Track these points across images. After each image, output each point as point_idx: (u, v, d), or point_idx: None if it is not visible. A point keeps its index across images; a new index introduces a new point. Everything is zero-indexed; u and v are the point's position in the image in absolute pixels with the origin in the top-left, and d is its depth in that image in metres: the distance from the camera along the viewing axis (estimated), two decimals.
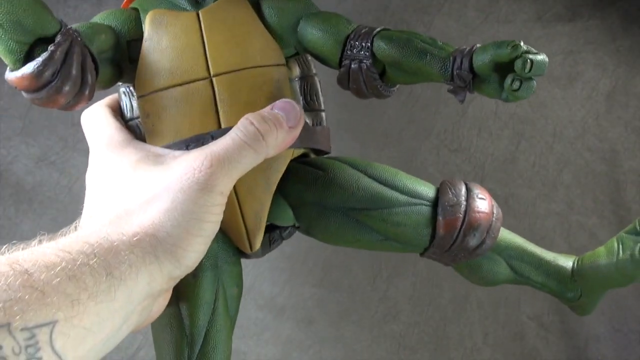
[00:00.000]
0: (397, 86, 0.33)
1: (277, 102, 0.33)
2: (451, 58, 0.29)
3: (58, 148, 0.92)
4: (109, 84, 0.34)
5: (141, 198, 0.28)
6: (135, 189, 0.29)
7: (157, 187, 0.28)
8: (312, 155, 0.38)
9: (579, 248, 1.04)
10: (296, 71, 0.37)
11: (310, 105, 0.38)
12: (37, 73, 0.28)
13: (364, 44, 0.32)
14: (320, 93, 0.38)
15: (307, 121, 0.36)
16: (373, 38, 0.32)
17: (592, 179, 1.08)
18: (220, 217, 0.30)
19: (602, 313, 1.05)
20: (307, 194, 0.35)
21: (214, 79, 0.33)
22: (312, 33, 0.34)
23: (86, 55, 0.30)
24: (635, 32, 1.15)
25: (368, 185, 0.34)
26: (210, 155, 0.29)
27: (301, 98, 0.37)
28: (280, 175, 0.35)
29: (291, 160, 0.36)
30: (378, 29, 0.32)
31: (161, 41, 0.33)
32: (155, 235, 0.27)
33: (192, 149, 0.32)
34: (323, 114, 0.39)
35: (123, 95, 0.36)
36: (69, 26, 0.31)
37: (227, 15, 0.34)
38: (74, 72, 0.29)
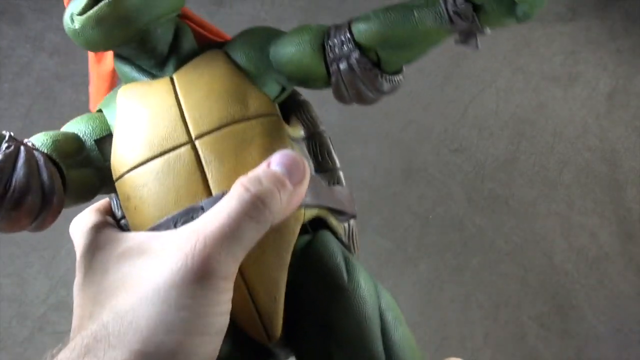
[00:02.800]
0: (403, 73, 0.28)
1: (274, 155, 0.26)
2: (440, 1, 0.25)
3: None
4: (93, 191, 0.29)
5: (125, 304, 0.23)
6: (117, 291, 0.24)
7: (143, 287, 0.23)
8: (333, 221, 0.31)
9: (579, 248, 1.04)
10: (300, 131, 0.32)
11: (322, 166, 0.32)
12: None
13: (343, 37, 0.27)
14: (332, 150, 0.33)
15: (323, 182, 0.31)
16: (350, 27, 0.27)
17: (593, 178, 1.07)
18: (228, 307, 0.24)
19: (602, 313, 1.05)
20: (318, 300, 0.28)
21: (196, 142, 0.28)
22: (285, 52, 0.29)
23: (41, 160, 0.25)
24: (635, 32, 1.15)
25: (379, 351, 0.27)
26: (203, 234, 0.23)
27: (311, 159, 0.32)
28: (292, 243, 0.28)
29: (305, 236, 0.29)
30: (351, 18, 0.27)
31: (133, 114, 0.29)
32: (144, 353, 0.22)
33: (180, 226, 0.26)
34: (340, 172, 0.33)
35: (113, 195, 0.31)
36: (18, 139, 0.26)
37: (202, 72, 0.29)
38: (27, 179, 0.24)
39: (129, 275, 0.24)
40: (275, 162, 0.26)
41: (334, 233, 0.31)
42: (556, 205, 1.05)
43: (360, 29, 0.27)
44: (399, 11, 0.26)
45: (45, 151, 0.27)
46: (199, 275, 0.23)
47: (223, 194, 0.26)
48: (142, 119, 0.29)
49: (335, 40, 0.27)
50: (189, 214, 0.27)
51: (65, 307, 0.91)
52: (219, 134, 0.28)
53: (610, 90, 1.13)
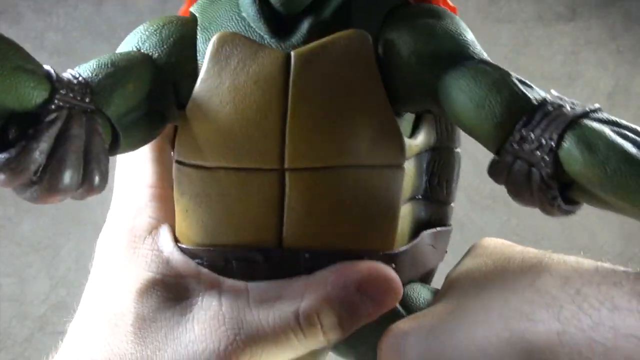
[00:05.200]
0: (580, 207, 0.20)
1: (369, 267, 0.21)
2: None
3: None
4: (147, 141, 0.23)
5: None
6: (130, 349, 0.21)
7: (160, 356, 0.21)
8: None
9: (579, 248, 1.04)
10: (429, 138, 0.24)
11: (433, 194, 0.24)
12: (8, 172, 0.17)
13: (544, 141, 0.18)
14: (455, 178, 0.25)
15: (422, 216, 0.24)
16: (564, 134, 0.18)
17: None
18: None
19: None
20: None
21: (286, 173, 0.21)
22: (459, 100, 0.20)
23: (94, 133, 0.19)
24: (636, 31, 1.15)
25: None
26: (240, 338, 0.20)
27: (424, 177, 0.24)
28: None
29: None
30: (578, 113, 0.18)
31: (223, 90, 0.21)
32: None
33: (233, 266, 0.22)
34: (449, 208, 0.25)
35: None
36: (72, 78, 0.19)
37: (334, 67, 0.20)
38: (70, 163, 0.18)
39: (147, 333, 0.22)
40: (366, 281, 0.20)
41: None
42: None
43: (573, 155, 0.17)
44: (637, 177, 0.16)
45: (103, 109, 0.20)
46: None
47: (294, 254, 0.21)
48: (232, 106, 0.21)
49: (532, 135, 0.18)
50: (247, 258, 0.22)
51: (65, 307, 0.91)
52: (320, 176, 0.21)
53: (610, 90, 1.13)
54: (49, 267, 0.95)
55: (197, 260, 0.22)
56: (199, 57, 0.22)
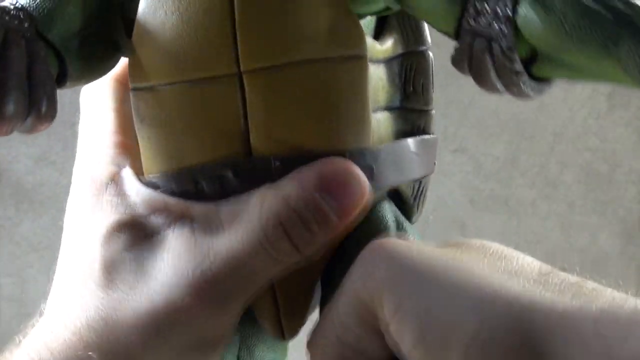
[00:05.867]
0: (550, 84, 0.20)
1: (327, 163, 0.20)
2: None
3: (58, 148, 0.91)
4: (101, 70, 0.22)
5: (111, 322, 0.20)
6: (103, 303, 0.20)
7: (131, 312, 0.20)
8: (403, 185, 0.24)
9: (579, 248, 1.04)
10: (395, 44, 0.23)
11: (410, 100, 0.23)
12: None
13: (500, 10, 0.18)
14: (430, 82, 0.24)
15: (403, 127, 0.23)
16: (517, 2, 0.18)
17: (593, 178, 1.07)
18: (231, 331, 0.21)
19: None
20: None
21: (244, 77, 0.20)
22: None
23: (36, 57, 0.18)
24: None
25: None
26: (210, 260, 0.19)
27: (399, 84, 0.23)
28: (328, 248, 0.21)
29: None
30: None
31: (166, 3, 0.20)
32: None
33: (203, 187, 0.21)
34: (429, 115, 0.24)
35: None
36: (9, 4, 0.18)
37: None
38: (12, 87, 0.17)
39: (114, 288, 0.21)
40: (325, 177, 0.19)
41: (399, 194, 0.24)
42: (556, 205, 1.05)
43: (529, 19, 0.17)
44: (598, 28, 0.16)
45: (43, 32, 0.18)
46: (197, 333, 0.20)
47: (264, 160, 0.20)
48: (177, 16, 0.20)
49: (487, 7, 0.18)
50: (214, 177, 0.21)
51: None
52: (278, 74, 0.20)
53: (611, 90, 1.13)
54: (49, 267, 0.95)
55: (165, 189, 0.21)
56: None
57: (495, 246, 0.20)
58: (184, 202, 0.21)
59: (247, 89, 0.20)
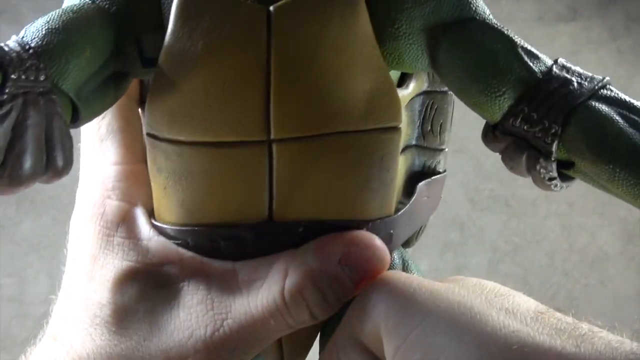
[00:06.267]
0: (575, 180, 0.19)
1: (352, 239, 0.20)
2: None
3: None
4: (111, 104, 0.21)
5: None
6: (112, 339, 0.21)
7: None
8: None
9: (579, 248, 1.04)
10: (420, 83, 0.22)
11: (426, 140, 0.23)
12: None
13: (547, 123, 0.17)
14: (449, 122, 0.23)
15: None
16: (569, 118, 0.17)
17: None
18: None
19: (602, 313, 1.05)
20: None
21: (274, 145, 0.19)
22: (457, 70, 0.18)
23: (53, 117, 0.17)
24: (636, 31, 1.15)
25: None
26: (228, 323, 0.19)
27: (417, 123, 0.22)
28: None
29: None
30: (586, 94, 0.17)
31: (195, 54, 0.18)
32: None
33: (220, 246, 0.20)
34: (443, 153, 0.24)
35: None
36: (22, 50, 0.16)
37: (321, 23, 0.18)
38: (30, 155, 0.17)
39: (126, 327, 0.21)
40: (344, 258, 0.19)
41: None
42: (556, 206, 1.05)
43: (577, 143, 0.17)
44: None
45: (60, 85, 0.17)
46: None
47: (285, 226, 0.20)
48: (206, 70, 0.18)
49: (535, 115, 0.17)
50: (235, 236, 0.20)
51: None
52: (310, 145, 0.19)
53: None
54: (49, 267, 0.95)
55: (179, 242, 0.21)
56: (163, 9, 0.18)
57: (491, 284, 0.20)
58: (200, 258, 0.21)
59: (275, 156, 0.19)
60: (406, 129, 0.22)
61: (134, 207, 0.22)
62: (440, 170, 0.24)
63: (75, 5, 0.18)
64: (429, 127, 0.23)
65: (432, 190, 0.23)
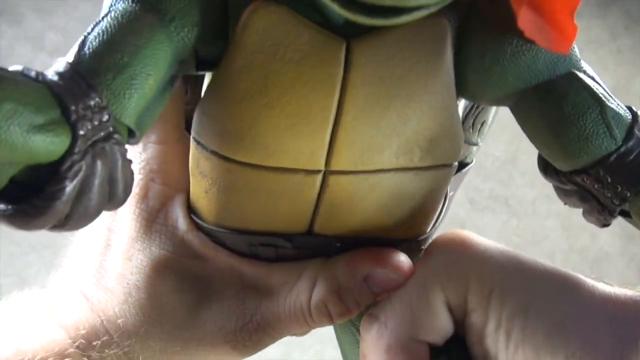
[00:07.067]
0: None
1: (381, 258, 0.20)
2: None
3: None
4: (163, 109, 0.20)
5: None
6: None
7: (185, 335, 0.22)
8: None
9: (579, 248, 1.04)
10: None
11: (465, 133, 0.23)
12: (31, 225, 0.15)
13: (619, 189, 0.17)
14: (490, 120, 0.24)
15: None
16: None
17: None
18: None
19: None
20: None
21: (328, 175, 0.18)
22: (538, 121, 0.18)
23: (117, 160, 0.16)
24: (636, 31, 1.15)
25: None
26: (257, 319, 0.21)
27: (460, 117, 0.21)
28: None
29: None
30: None
31: (260, 79, 0.17)
32: None
33: (257, 251, 0.21)
34: (475, 148, 0.24)
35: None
36: (87, 97, 0.15)
37: (401, 62, 0.16)
38: (96, 205, 0.16)
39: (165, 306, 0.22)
40: (370, 276, 0.20)
41: None
42: (556, 206, 1.05)
43: None
44: None
45: (122, 119, 0.16)
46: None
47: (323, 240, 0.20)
48: (275, 97, 0.17)
49: (608, 179, 0.17)
50: (272, 243, 0.20)
51: None
52: (365, 177, 0.18)
53: (611, 90, 1.13)
54: (49, 267, 0.95)
55: (215, 239, 0.21)
56: (230, 17, 0.17)
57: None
58: (234, 256, 0.22)
59: (329, 184, 0.19)
60: None
61: (175, 194, 0.22)
62: (469, 162, 0.24)
63: (130, 19, 0.16)
64: (471, 123, 0.23)
65: (455, 183, 0.24)
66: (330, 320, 0.21)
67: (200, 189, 0.20)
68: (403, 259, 0.21)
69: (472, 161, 0.25)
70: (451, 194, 0.24)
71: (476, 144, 0.24)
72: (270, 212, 0.19)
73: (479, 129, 0.23)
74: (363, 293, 0.21)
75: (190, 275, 0.22)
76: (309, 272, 0.21)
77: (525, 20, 0.16)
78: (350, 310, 0.21)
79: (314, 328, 0.22)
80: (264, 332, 0.21)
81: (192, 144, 0.19)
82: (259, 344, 0.22)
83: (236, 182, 0.19)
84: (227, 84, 0.17)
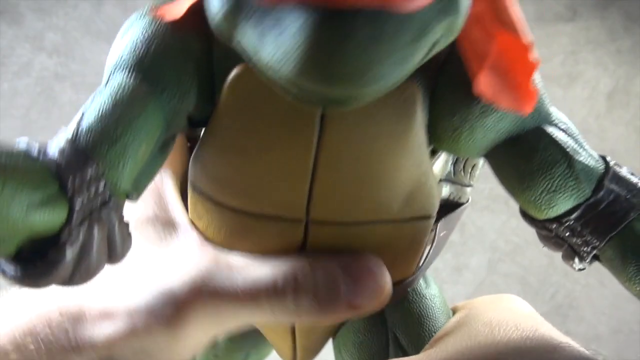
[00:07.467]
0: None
1: (364, 259, 0.20)
2: None
3: None
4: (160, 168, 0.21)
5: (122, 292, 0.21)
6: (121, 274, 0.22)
7: (130, 291, 0.21)
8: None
9: None
10: None
11: (456, 176, 0.24)
12: (33, 286, 0.16)
13: (589, 238, 0.18)
14: (479, 167, 0.25)
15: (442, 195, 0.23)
16: (611, 238, 0.18)
17: None
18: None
19: (602, 313, 1.05)
20: None
21: (310, 225, 0.20)
22: (509, 173, 0.19)
23: (115, 224, 0.18)
24: (636, 32, 1.15)
25: None
26: (207, 289, 0.20)
27: (450, 161, 0.23)
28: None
29: None
30: (631, 214, 0.18)
31: (244, 137, 0.18)
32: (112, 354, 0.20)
33: None
34: (468, 189, 0.25)
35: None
36: (83, 171, 0.16)
37: (374, 127, 0.18)
38: (96, 265, 0.17)
39: (134, 262, 0.22)
40: (346, 264, 0.20)
41: None
42: None
43: (613, 262, 0.18)
44: None
45: (118, 184, 0.17)
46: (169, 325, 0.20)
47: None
48: (259, 152, 0.18)
49: (578, 228, 0.18)
50: None
51: None
52: (345, 228, 0.20)
53: (610, 90, 1.13)
54: None
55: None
56: (216, 83, 0.18)
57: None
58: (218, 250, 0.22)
59: (311, 232, 0.20)
60: (441, 168, 0.23)
61: (163, 175, 0.23)
62: (464, 202, 0.25)
63: (124, 92, 0.17)
64: (461, 167, 0.24)
65: (450, 224, 0.24)
66: (293, 302, 0.20)
67: (196, 215, 0.22)
68: (385, 273, 0.20)
69: (467, 201, 0.25)
70: (444, 233, 0.24)
71: (469, 185, 0.25)
72: (262, 247, 0.21)
73: (470, 172, 0.25)
74: (337, 279, 0.20)
75: (163, 234, 0.23)
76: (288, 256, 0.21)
77: (485, 83, 0.16)
78: (319, 295, 0.20)
79: (270, 318, 0.20)
80: (210, 305, 0.20)
81: (190, 188, 0.21)
82: (213, 316, 0.20)
83: (228, 224, 0.21)
84: (216, 139, 0.19)
